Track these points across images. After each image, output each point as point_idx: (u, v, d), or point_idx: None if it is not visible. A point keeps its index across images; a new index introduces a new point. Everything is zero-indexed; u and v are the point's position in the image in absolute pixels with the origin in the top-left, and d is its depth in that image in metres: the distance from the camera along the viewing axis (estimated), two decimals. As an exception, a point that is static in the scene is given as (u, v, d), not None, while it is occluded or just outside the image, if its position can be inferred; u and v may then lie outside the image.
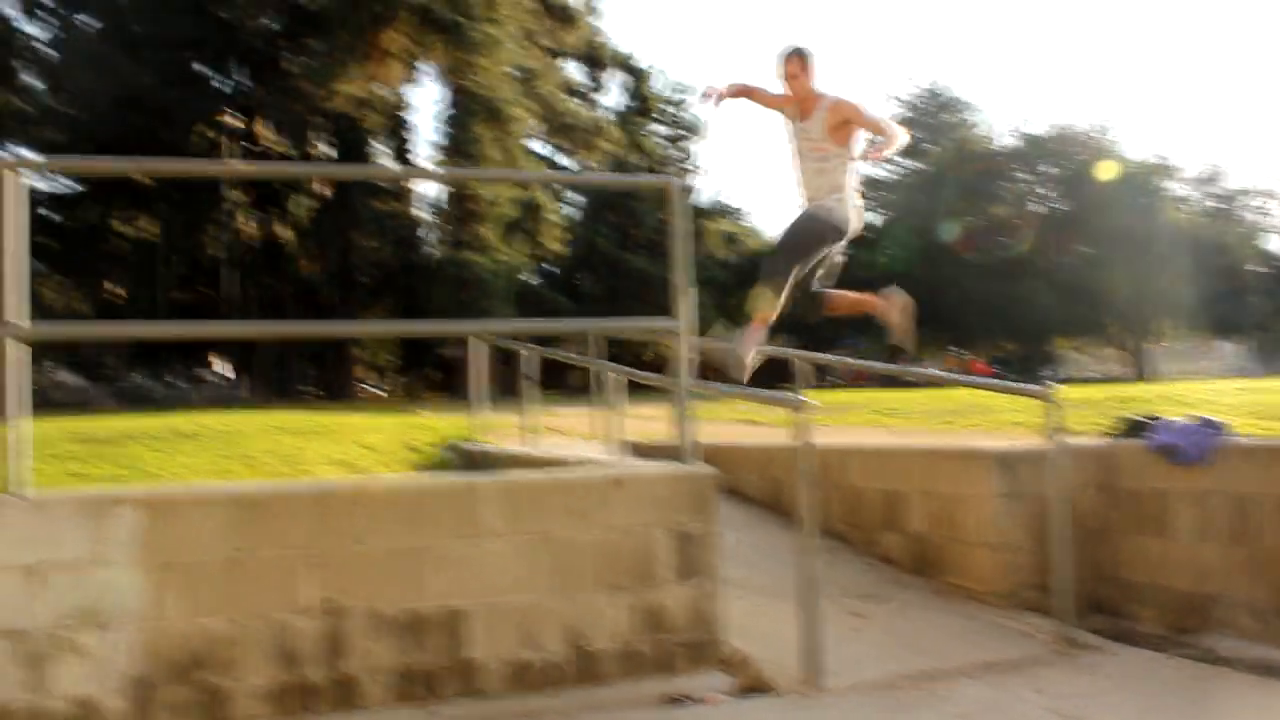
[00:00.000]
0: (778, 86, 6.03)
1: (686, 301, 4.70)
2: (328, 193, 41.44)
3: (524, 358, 9.10)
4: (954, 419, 10.75)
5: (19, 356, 3.93)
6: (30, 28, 42.21)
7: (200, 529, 3.83)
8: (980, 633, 5.14)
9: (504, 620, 4.14)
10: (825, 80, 6.07)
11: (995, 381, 6.89)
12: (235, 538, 3.84)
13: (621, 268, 49.32)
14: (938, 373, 14.00)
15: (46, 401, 23.84)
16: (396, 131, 44.57)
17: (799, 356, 8.29)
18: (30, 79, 42.14)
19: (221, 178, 35.60)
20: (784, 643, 4.33)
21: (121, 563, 3.77)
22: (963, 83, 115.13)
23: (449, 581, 4.05)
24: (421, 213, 47.24)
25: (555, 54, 46.10)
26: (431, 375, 50.87)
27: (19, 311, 3.90)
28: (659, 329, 4.92)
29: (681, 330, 4.67)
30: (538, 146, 45.59)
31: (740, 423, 12.16)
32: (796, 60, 5.91)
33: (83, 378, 47.51)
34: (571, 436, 10.99)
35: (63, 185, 42.35)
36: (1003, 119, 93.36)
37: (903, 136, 5.78)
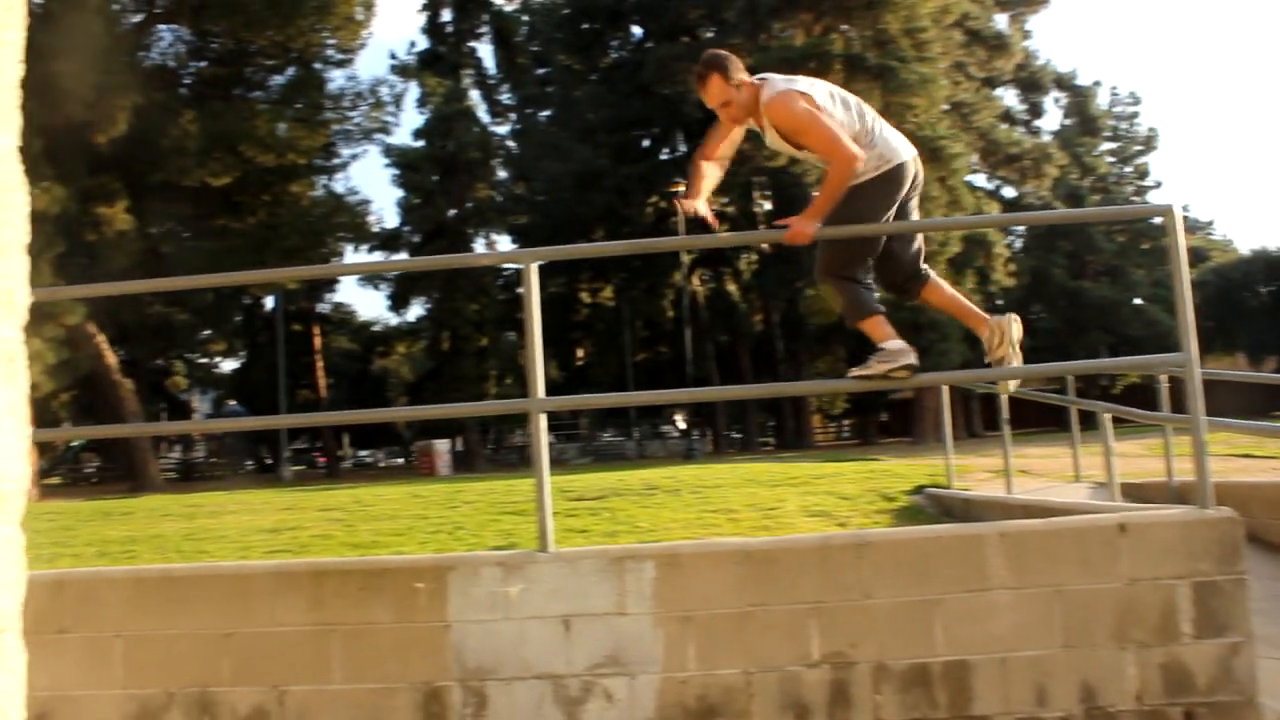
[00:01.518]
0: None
1: (1192, 333, 4.31)
2: (768, 248, 42.62)
3: (1003, 399, 8.75)
4: None
5: (539, 423, 4.33)
6: (497, 128, 47.06)
7: (713, 582, 3.99)
8: None
9: (1013, 675, 3.95)
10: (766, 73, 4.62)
11: None
12: (746, 591, 3.96)
13: (1080, 297, 46.66)
14: None
15: (526, 461, 26.21)
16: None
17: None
18: (499, 172, 47.00)
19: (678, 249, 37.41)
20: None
21: (642, 614, 4.01)
22: None
23: (956, 634, 3.93)
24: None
25: (990, 83, 44.80)
26: (880, 419, 50.66)
27: (537, 385, 4.29)
28: (1166, 364, 4.55)
29: (1192, 363, 4.28)
30: (980, 180, 44.39)
31: (1229, 456, 10.95)
32: (699, 82, 4.53)
33: (557, 437, 51.93)
34: (1046, 478, 10.43)
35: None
36: None
37: (856, 164, 4.29)
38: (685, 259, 41.97)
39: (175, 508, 13.45)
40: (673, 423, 49.60)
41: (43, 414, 31.17)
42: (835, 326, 47.19)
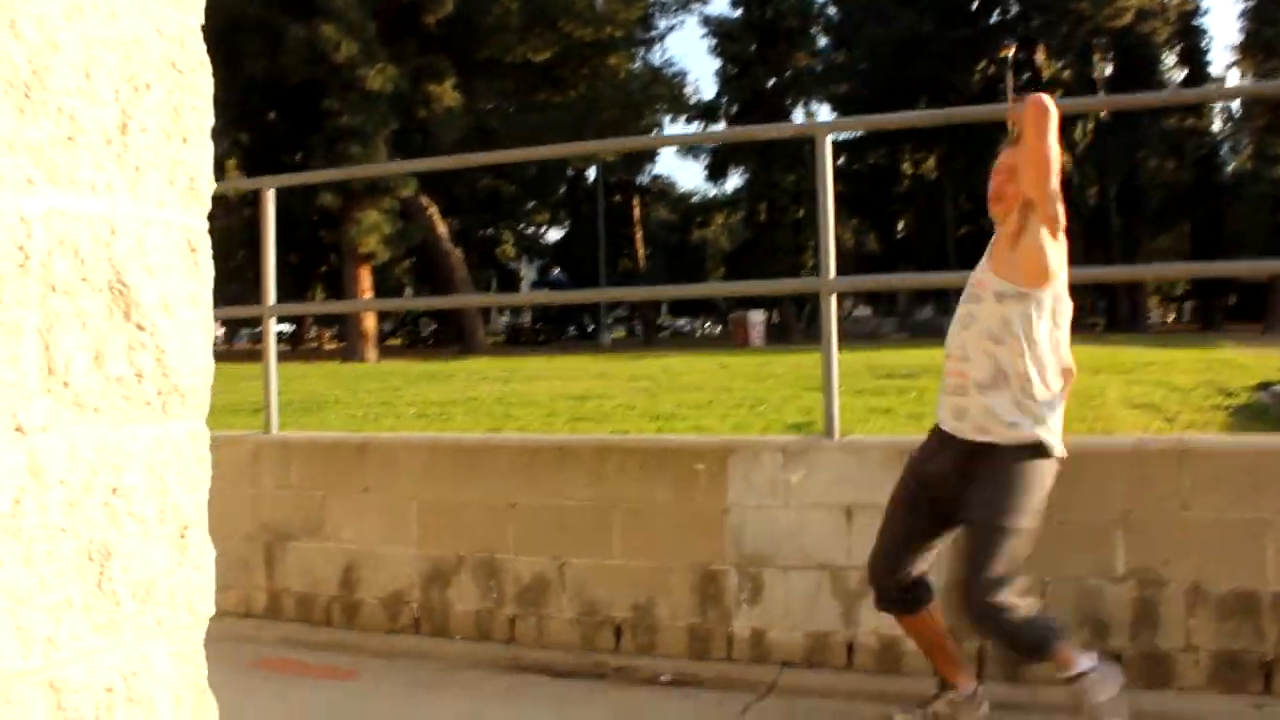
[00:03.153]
0: None
1: None
2: (1105, 115, 39.38)
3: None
4: None
5: (828, 305, 4.10)
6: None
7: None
8: None
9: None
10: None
11: None
12: (1050, 493, 3.63)
13: None
14: None
15: (842, 336, 25.94)
16: (1187, 37, 40.91)
17: None
18: (819, 39, 45.64)
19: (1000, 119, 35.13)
20: None
21: (927, 511, 3.77)
22: None
23: (1294, 561, 3.45)
24: (1219, 125, 42.93)
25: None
26: (1227, 302, 46.44)
27: (829, 265, 4.06)
28: None
29: None
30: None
31: None
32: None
33: (875, 311, 51.02)
34: None
35: (853, 133, 45.45)
36: None
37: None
38: (1014, 129, 39.41)
39: (494, 371, 14.20)
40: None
41: (384, 280, 33.71)
42: (1179, 201, 43.40)
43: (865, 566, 3.60)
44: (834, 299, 4.13)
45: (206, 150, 1.26)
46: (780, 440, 4.15)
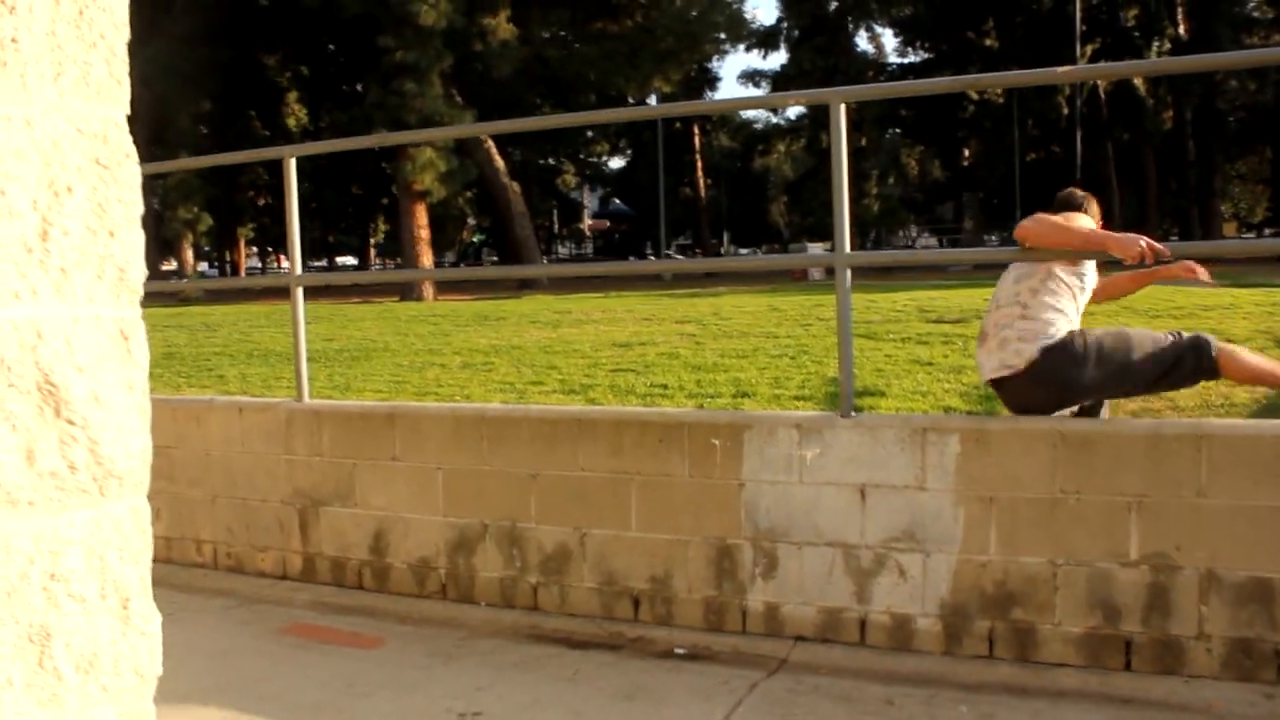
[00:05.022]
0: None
1: None
2: (1183, 33, 38.06)
3: None
4: None
5: (843, 279, 4.07)
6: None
7: (1021, 464, 3.67)
8: None
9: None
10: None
11: None
12: (1059, 476, 3.61)
13: None
14: None
15: (896, 271, 25.39)
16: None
17: None
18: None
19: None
20: None
21: (942, 490, 3.77)
22: None
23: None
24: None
25: None
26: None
27: (844, 238, 4.02)
28: None
29: None
30: None
31: None
32: None
33: (940, 242, 50.22)
34: None
35: (915, 55, 44.45)
36: None
37: None
38: (1085, 51, 38.33)
39: (546, 314, 14.28)
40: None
41: (444, 212, 33.76)
42: (1260, 123, 41.92)
43: (878, 544, 3.65)
44: (848, 272, 4.10)
45: (136, 239, 1.30)
46: (795, 416, 4.16)
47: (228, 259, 50.64)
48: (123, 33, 1.29)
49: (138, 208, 1.31)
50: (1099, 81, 39.50)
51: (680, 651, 3.94)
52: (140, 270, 1.31)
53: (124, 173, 1.29)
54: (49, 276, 1.21)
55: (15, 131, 1.17)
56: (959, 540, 3.75)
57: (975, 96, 44.16)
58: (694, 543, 4.15)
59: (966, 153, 50.16)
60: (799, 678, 3.63)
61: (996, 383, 4.05)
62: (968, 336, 9.42)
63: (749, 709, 3.39)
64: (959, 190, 51.89)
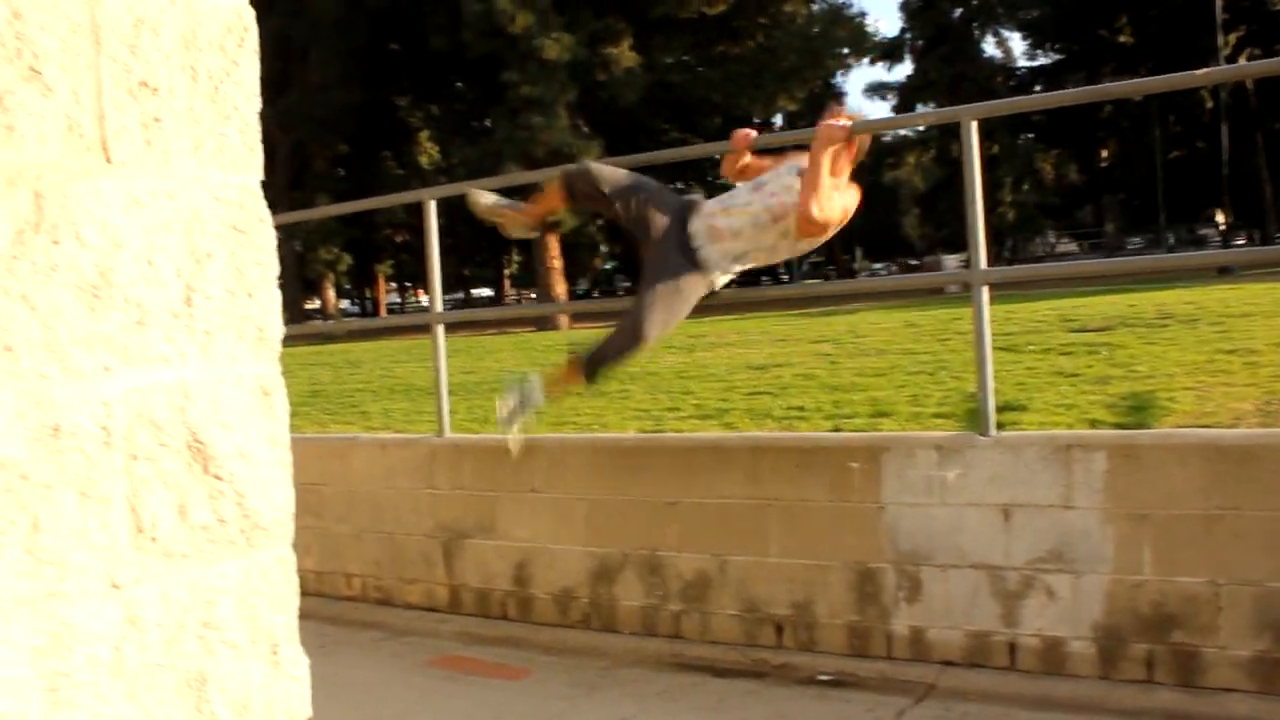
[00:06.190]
0: None
1: None
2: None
3: None
4: None
5: (980, 298, 3.99)
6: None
7: (1174, 479, 3.52)
8: None
9: None
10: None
11: None
12: (1215, 492, 3.46)
13: None
14: None
15: (1043, 284, 24.58)
16: None
17: None
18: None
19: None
20: None
21: (1090, 509, 3.65)
22: None
23: None
24: None
25: None
26: None
27: (979, 255, 3.94)
28: None
29: None
30: None
31: None
32: None
33: (1080, 247, 48.65)
34: None
35: (1045, 57, 43.32)
36: None
37: None
38: (1228, 40, 36.75)
39: (679, 337, 14.32)
40: (1211, 220, 44.43)
41: (576, 240, 34.16)
42: None
43: (1024, 565, 3.54)
44: (985, 290, 4.01)
45: (273, 299, 1.36)
46: (934, 437, 4.08)
47: (368, 295, 52.24)
48: (254, 103, 1.35)
49: (274, 269, 1.37)
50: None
51: (825, 678, 3.89)
52: (278, 328, 1.37)
53: (259, 236, 1.35)
54: (194, 340, 1.28)
55: (160, 205, 1.24)
56: (1110, 560, 3.62)
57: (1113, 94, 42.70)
58: (834, 567, 4.10)
59: (1104, 154, 48.57)
60: (947, 704, 3.55)
61: None
62: (1113, 345, 9.10)
63: (897, 738, 3.33)
64: (1098, 193, 50.28)
